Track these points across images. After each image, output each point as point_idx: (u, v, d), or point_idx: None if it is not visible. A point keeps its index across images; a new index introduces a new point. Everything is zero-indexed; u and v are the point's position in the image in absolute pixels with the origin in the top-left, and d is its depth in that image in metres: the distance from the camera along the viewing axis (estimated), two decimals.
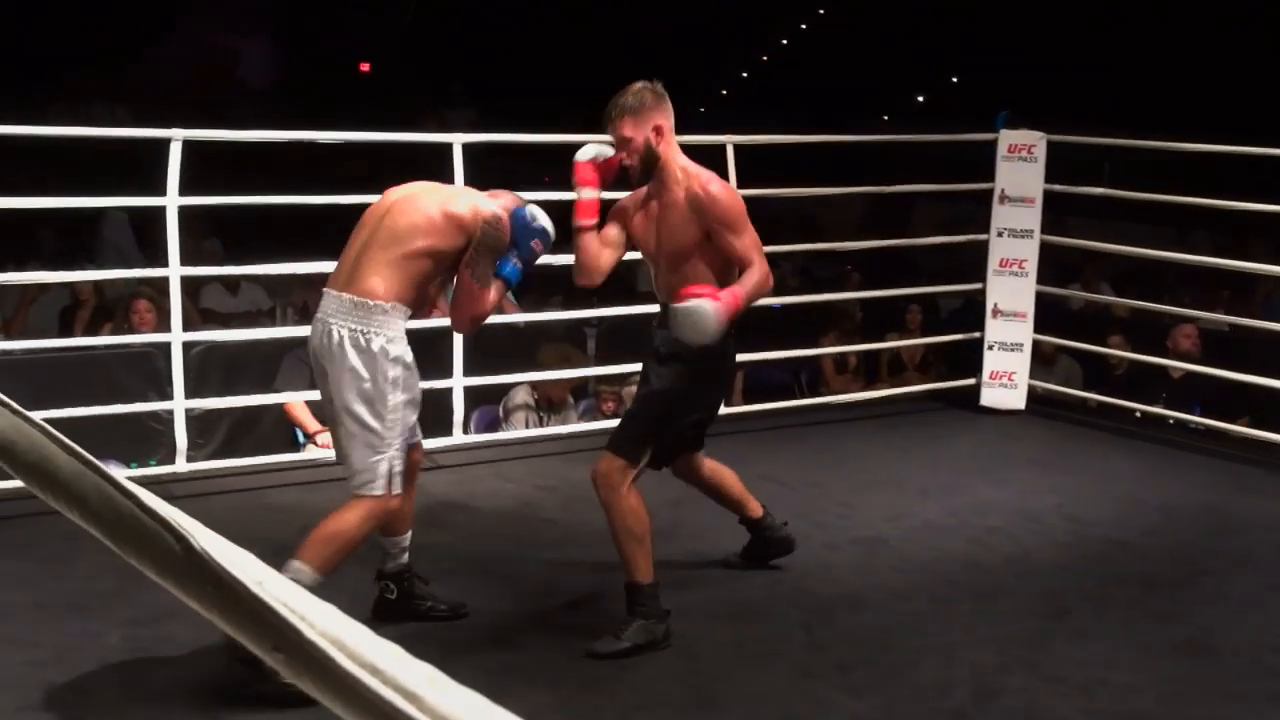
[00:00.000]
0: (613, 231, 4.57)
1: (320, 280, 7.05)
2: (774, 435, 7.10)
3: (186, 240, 6.10)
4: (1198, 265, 8.60)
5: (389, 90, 20.34)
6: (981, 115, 8.02)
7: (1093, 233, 8.64)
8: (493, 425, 7.12)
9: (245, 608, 0.88)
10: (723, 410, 7.11)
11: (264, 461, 6.25)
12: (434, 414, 6.27)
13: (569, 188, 4.57)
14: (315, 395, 6.45)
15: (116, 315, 7.71)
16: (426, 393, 6.31)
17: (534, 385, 7.17)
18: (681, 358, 4.44)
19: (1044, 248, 7.70)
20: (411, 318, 4.18)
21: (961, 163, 8.07)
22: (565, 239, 4.52)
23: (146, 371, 6.49)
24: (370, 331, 4.05)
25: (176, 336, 5.94)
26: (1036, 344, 7.87)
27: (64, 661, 4.09)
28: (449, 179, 6.32)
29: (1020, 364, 7.71)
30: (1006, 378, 7.71)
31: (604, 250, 4.54)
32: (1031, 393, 7.76)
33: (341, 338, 4.06)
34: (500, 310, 4.69)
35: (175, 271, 5.88)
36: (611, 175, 4.54)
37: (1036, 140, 7.54)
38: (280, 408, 6.65)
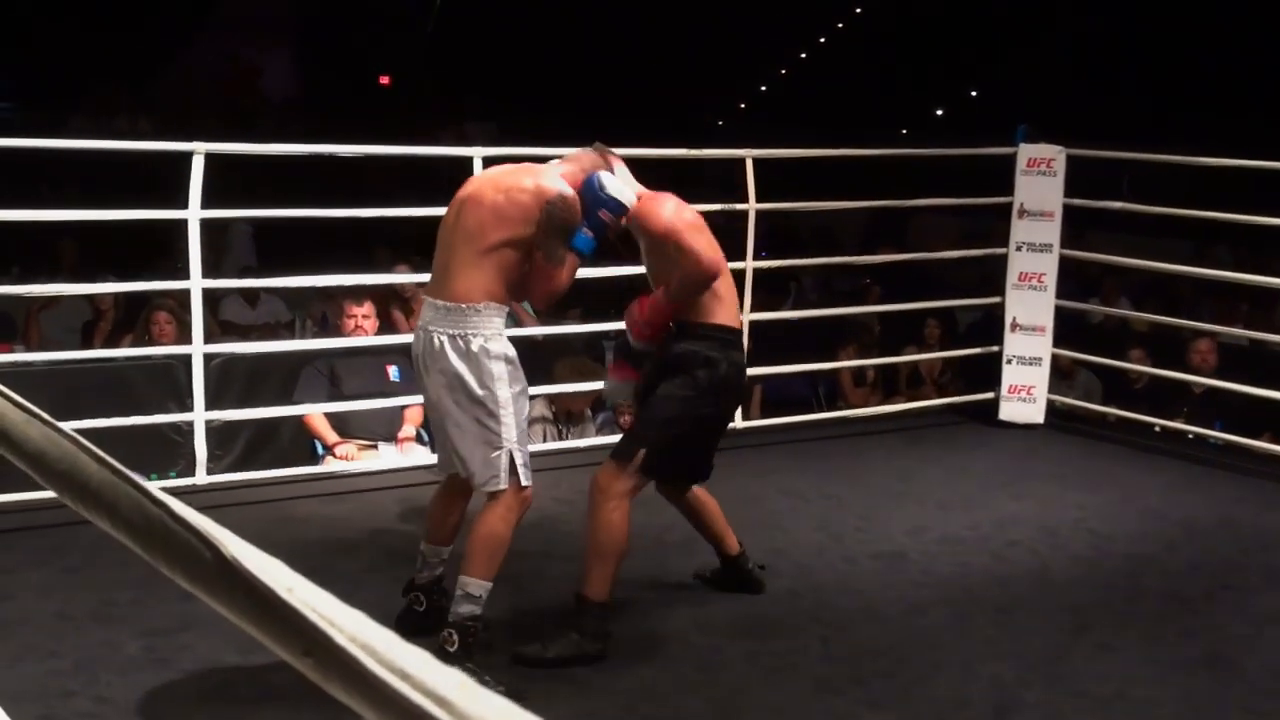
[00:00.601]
0: None
1: (338, 293, 7.14)
2: (792, 449, 7.09)
3: (207, 253, 6.13)
4: (1218, 279, 8.57)
5: (409, 103, 20.41)
6: (1001, 129, 8.01)
7: (1112, 247, 8.61)
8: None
9: (275, 614, 0.88)
10: (740, 423, 7.14)
11: (283, 474, 6.27)
12: None
13: None
14: (334, 407, 6.53)
15: (137, 327, 7.74)
16: None
17: (552, 398, 7.18)
18: (678, 371, 4.50)
19: (1063, 262, 7.69)
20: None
21: (978, 176, 8.06)
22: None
23: (167, 383, 6.51)
24: (468, 334, 4.16)
25: (197, 348, 5.97)
26: (1055, 358, 7.85)
27: (84, 671, 4.11)
28: None
29: (1039, 378, 7.70)
30: (1025, 392, 7.69)
31: None
32: (1050, 407, 7.74)
33: (442, 344, 4.17)
34: (517, 323, 4.71)
35: (197, 284, 5.90)
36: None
37: (1056, 154, 7.53)
38: (299, 420, 6.67)
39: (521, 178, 4.30)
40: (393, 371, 6.74)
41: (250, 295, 9.40)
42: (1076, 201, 7.59)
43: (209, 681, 4.05)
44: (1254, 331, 8.32)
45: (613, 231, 4.40)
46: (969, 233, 11.55)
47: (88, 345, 8.15)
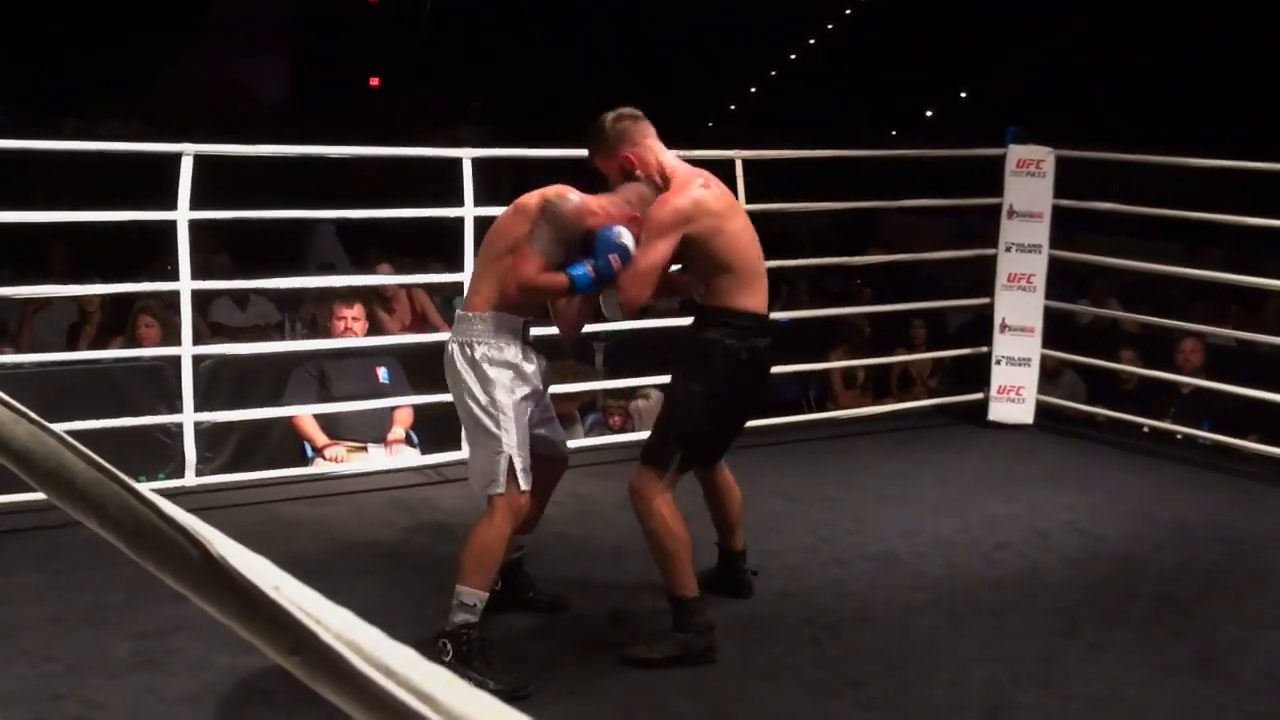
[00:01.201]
0: None
1: (329, 295, 7.13)
2: (783, 450, 7.09)
3: (196, 255, 6.12)
4: (1207, 280, 8.58)
5: (400, 105, 20.41)
6: (991, 131, 8.01)
7: (1101, 247, 8.62)
8: None
9: (262, 612, 0.88)
10: None
11: (272, 475, 6.26)
12: (443, 430, 6.29)
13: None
14: (323, 409, 6.52)
15: (125, 330, 7.73)
16: (433, 408, 6.33)
17: None
18: (697, 362, 4.49)
19: (1053, 263, 7.70)
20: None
21: (967, 176, 8.08)
22: None
23: (156, 385, 6.50)
24: (472, 341, 4.27)
25: (186, 350, 5.96)
26: (1044, 359, 7.86)
27: (74, 674, 4.10)
28: (459, 194, 6.34)
29: (1029, 379, 7.70)
30: (1015, 392, 7.70)
31: None
32: (1040, 408, 7.75)
33: (453, 351, 4.32)
34: (601, 317, 4.72)
35: (186, 285, 5.89)
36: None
37: (1045, 155, 7.53)
38: (289, 422, 6.66)
39: (547, 190, 4.34)
40: (382, 373, 6.74)
41: (240, 297, 9.39)
42: (1066, 203, 7.59)
43: (199, 684, 4.04)
44: (1241, 332, 8.34)
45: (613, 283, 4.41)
46: (958, 234, 11.57)
47: (72, 348, 8.13)
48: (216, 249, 10.23)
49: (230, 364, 6.77)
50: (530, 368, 4.33)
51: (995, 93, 21.40)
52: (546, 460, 4.54)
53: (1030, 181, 7.55)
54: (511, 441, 4.24)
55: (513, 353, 4.28)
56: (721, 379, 4.46)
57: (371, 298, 8.27)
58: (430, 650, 4.21)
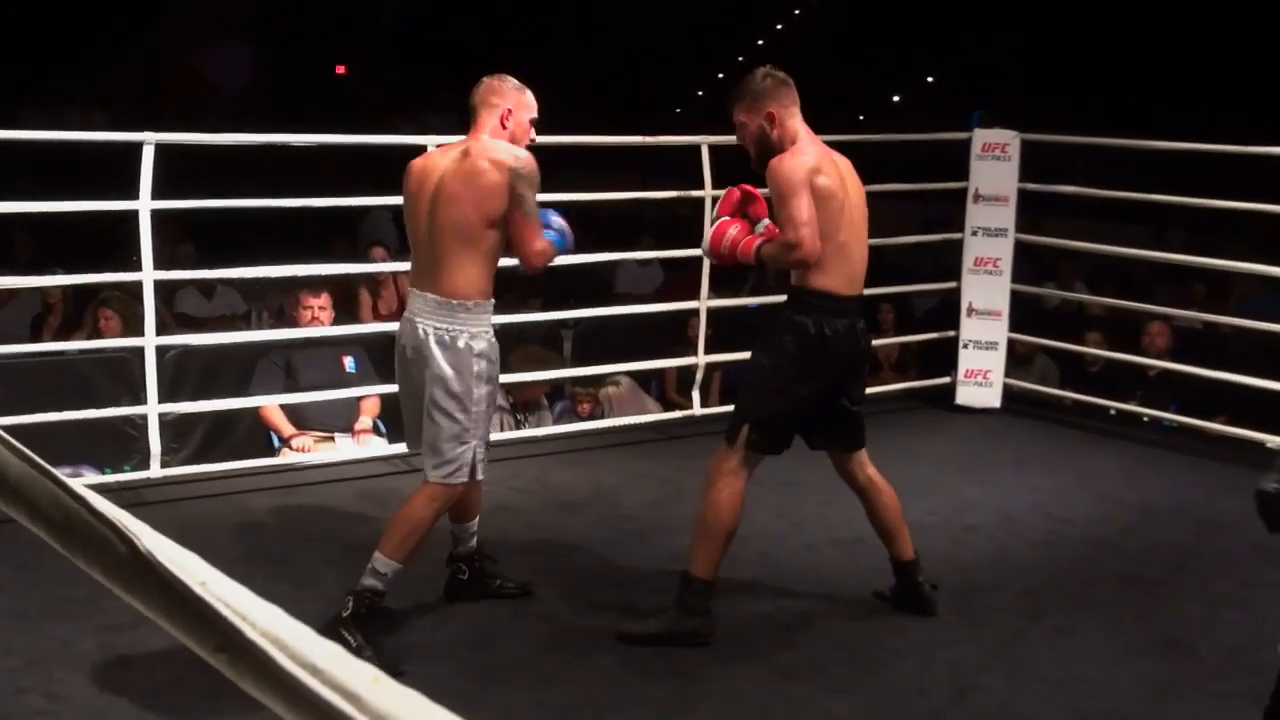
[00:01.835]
0: None
1: (294, 284, 7.10)
2: None
3: (160, 245, 6.07)
4: (1173, 263, 8.61)
5: (366, 92, 20.33)
6: (958, 115, 8.02)
7: (1067, 231, 8.65)
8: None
9: (188, 608, 0.86)
10: (697, 410, 7.14)
11: (239, 466, 6.23)
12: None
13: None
14: (290, 399, 6.48)
15: (84, 321, 7.69)
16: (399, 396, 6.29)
17: (509, 388, 7.15)
18: (769, 336, 4.48)
19: (1019, 246, 7.71)
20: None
21: (935, 162, 8.08)
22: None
23: (121, 377, 6.46)
24: (456, 330, 4.23)
25: (150, 341, 5.91)
26: (1012, 343, 7.88)
27: (37, 668, 4.07)
28: None
29: (996, 362, 7.72)
30: (982, 376, 7.72)
31: None
32: (1007, 391, 7.77)
33: (428, 335, 4.24)
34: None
35: (149, 275, 5.85)
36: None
37: (1010, 139, 7.54)
38: (256, 412, 6.63)
39: (474, 160, 4.26)
40: (349, 363, 6.71)
41: (206, 287, 9.34)
42: (1031, 186, 7.61)
43: (163, 677, 4.01)
44: (1207, 314, 8.38)
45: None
46: (925, 218, 11.58)
47: (36, 339, 8.08)
48: (181, 238, 10.18)
49: (196, 355, 6.73)
50: (497, 358, 4.33)
51: (962, 77, 21.44)
52: None
53: (996, 165, 7.57)
54: (479, 433, 4.27)
55: (490, 344, 4.29)
56: (788, 356, 4.41)
57: (359, 280, 8.27)
58: (397, 645, 4.21)
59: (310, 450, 6.49)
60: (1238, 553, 5.50)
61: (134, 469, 6.17)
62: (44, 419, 5.59)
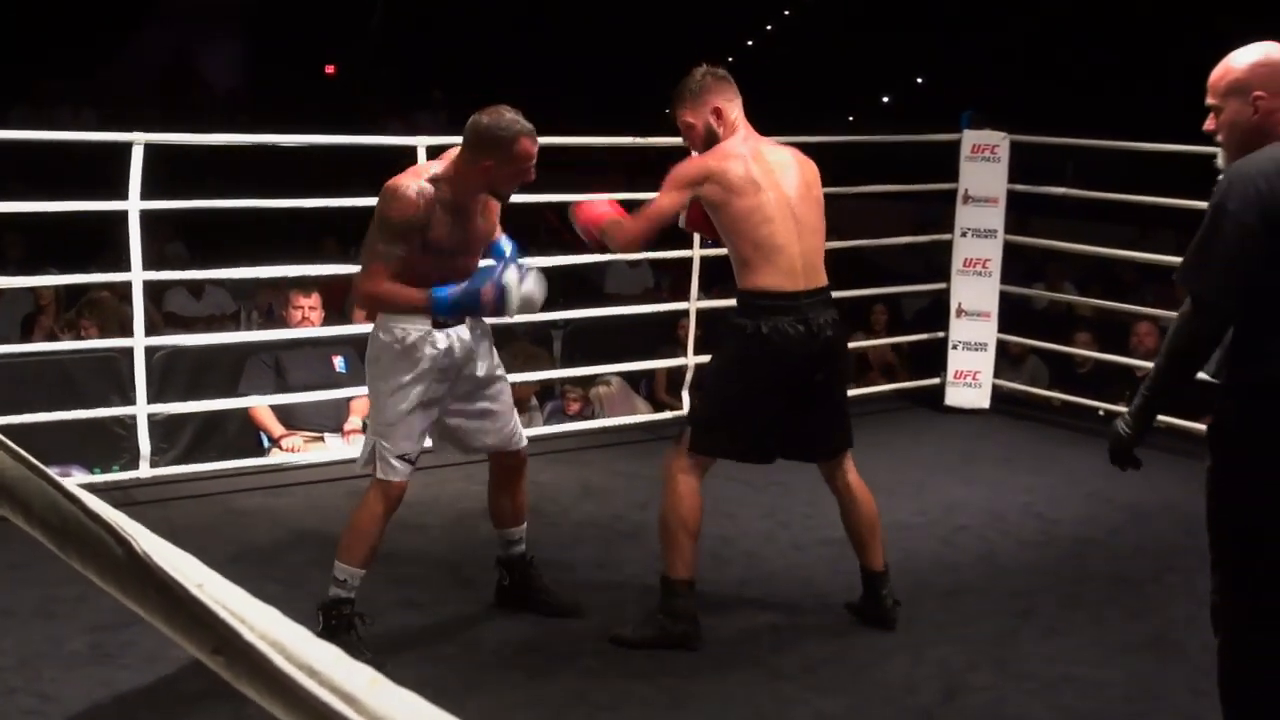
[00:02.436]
0: None
1: (284, 284, 7.09)
2: None
3: (149, 244, 6.07)
4: (1160, 264, 8.62)
5: (355, 92, 20.30)
6: (948, 116, 8.03)
7: (1056, 232, 8.66)
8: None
9: (185, 610, 0.87)
10: (687, 410, 7.13)
11: (229, 466, 6.22)
12: None
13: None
14: (280, 399, 6.48)
15: (67, 323, 7.70)
16: None
17: None
18: (717, 343, 4.51)
19: (1008, 247, 7.72)
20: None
21: (925, 163, 8.09)
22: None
23: (110, 376, 6.45)
24: (379, 323, 4.28)
25: (139, 341, 5.91)
26: (1003, 344, 7.89)
27: (28, 667, 4.07)
28: None
29: (985, 363, 7.73)
30: (971, 377, 7.73)
31: None
32: (996, 392, 7.78)
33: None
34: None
35: (138, 276, 5.85)
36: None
37: (1000, 140, 7.56)
38: (245, 412, 6.62)
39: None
40: (338, 363, 6.71)
41: (195, 287, 9.33)
42: (1020, 187, 7.62)
43: (153, 677, 4.01)
44: None
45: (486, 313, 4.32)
46: (914, 219, 11.60)
47: (27, 339, 8.06)
48: (171, 237, 10.17)
49: (185, 354, 6.71)
50: (429, 352, 4.21)
51: (951, 78, 21.45)
52: (495, 452, 4.53)
53: (985, 166, 7.58)
54: (380, 427, 4.25)
55: (401, 333, 4.20)
56: (730, 359, 4.41)
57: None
58: (387, 645, 4.21)
59: (300, 450, 6.48)
60: None
61: (123, 469, 6.16)
62: (33, 419, 5.59)
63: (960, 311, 7.71)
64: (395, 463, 4.22)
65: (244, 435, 6.71)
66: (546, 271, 4.46)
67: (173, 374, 6.60)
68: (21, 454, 0.97)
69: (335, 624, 4.18)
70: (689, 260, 7.04)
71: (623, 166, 13.40)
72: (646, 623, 4.41)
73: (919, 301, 9.96)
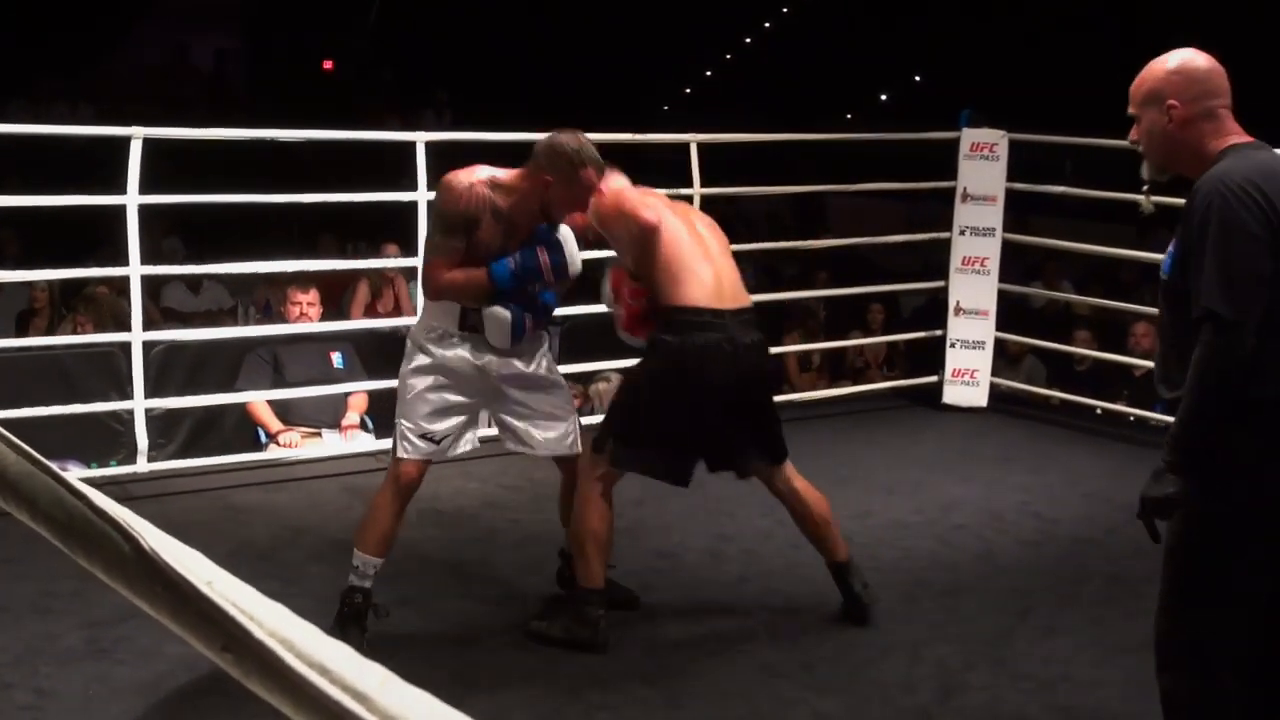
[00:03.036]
0: None
1: (283, 279, 7.08)
2: None
3: (147, 240, 6.06)
4: (1158, 263, 8.62)
5: (354, 88, 20.28)
6: (945, 114, 8.03)
7: (1054, 231, 8.66)
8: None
9: (194, 608, 0.86)
10: None
11: (226, 461, 6.21)
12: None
13: None
14: (277, 394, 6.48)
15: (64, 321, 7.70)
16: (388, 393, 6.30)
17: None
18: (641, 359, 4.48)
19: (1006, 246, 7.72)
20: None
21: (923, 161, 8.09)
22: None
23: (107, 371, 6.44)
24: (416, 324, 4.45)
25: (137, 336, 5.91)
26: (1001, 342, 7.89)
27: (24, 663, 4.06)
28: (414, 177, 6.31)
29: (982, 362, 7.73)
30: (969, 375, 7.73)
31: None
32: (994, 390, 7.78)
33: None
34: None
35: (135, 270, 5.84)
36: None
37: (999, 139, 7.55)
38: (243, 407, 6.61)
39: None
40: (336, 358, 6.70)
41: (193, 282, 9.32)
42: (1019, 186, 7.62)
43: (149, 672, 4.01)
44: None
45: (547, 282, 4.30)
46: (913, 217, 11.62)
47: (23, 335, 8.05)
48: (168, 233, 10.16)
49: (183, 350, 6.71)
50: (452, 348, 4.27)
51: (949, 76, 21.44)
52: (554, 456, 4.54)
53: (984, 165, 7.58)
54: (402, 407, 4.31)
55: (429, 332, 4.30)
56: (655, 375, 4.39)
57: (363, 274, 8.23)
58: (383, 643, 4.20)
59: (297, 445, 6.48)
60: None
61: (120, 464, 6.15)
62: (30, 414, 5.58)
63: (958, 310, 7.71)
64: (416, 440, 4.27)
65: (241, 431, 6.70)
66: None
67: (170, 369, 6.59)
68: (26, 449, 0.97)
69: (346, 612, 4.23)
70: None
71: (623, 163, 13.40)
72: (558, 621, 4.37)
73: (917, 300, 9.96)
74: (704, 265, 4.40)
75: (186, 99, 17.75)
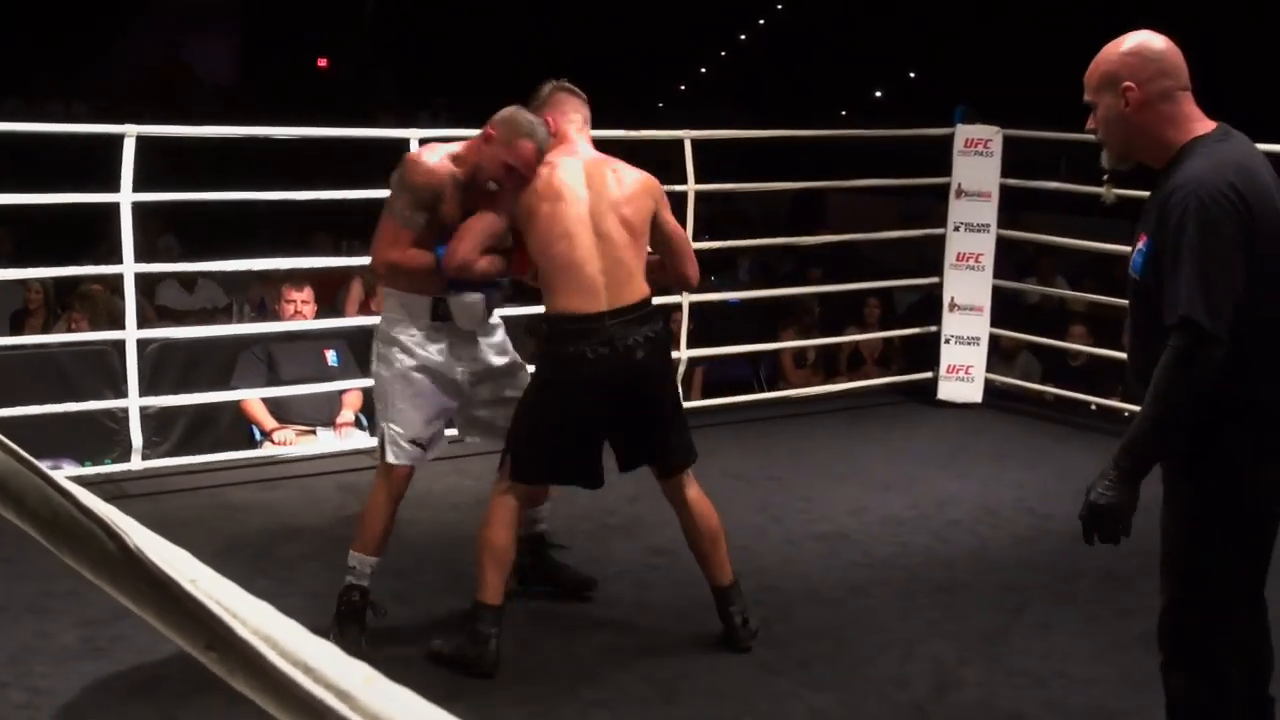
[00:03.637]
0: None
1: (277, 277, 7.08)
2: (733, 430, 7.09)
3: (141, 238, 6.06)
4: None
5: (349, 85, 20.28)
6: (941, 110, 8.04)
7: (1049, 227, 8.66)
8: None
9: (178, 606, 0.86)
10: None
11: (220, 459, 6.21)
12: None
13: None
14: (272, 392, 6.48)
15: (59, 320, 7.69)
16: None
17: None
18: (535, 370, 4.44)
19: (1000, 242, 7.73)
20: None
21: (918, 158, 8.09)
22: None
23: (102, 369, 6.43)
24: (381, 317, 4.43)
25: (131, 334, 5.90)
26: (996, 338, 7.89)
27: (19, 662, 4.06)
28: None
29: (977, 358, 7.73)
30: (964, 371, 7.73)
31: None
32: (988, 386, 7.79)
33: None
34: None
35: (130, 268, 5.84)
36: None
37: (993, 135, 7.55)
38: (237, 405, 6.61)
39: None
40: (331, 356, 6.70)
41: (187, 280, 9.31)
42: (1013, 182, 7.62)
43: (145, 672, 4.01)
44: None
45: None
46: (907, 214, 11.62)
47: (17, 333, 8.04)
48: (163, 231, 10.15)
49: (177, 348, 6.71)
50: (430, 346, 4.28)
51: (944, 73, 21.45)
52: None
53: (978, 161, 7.58)
54: (386, 414, 4.31)
55: (402, 329, 4.28)
56: (537, 386, 4.32)
57: (360, 273, 8.23)
58: (379, 639, 4.21)
59: (292, 443, 6.48)
60: None
61: (115, 462, 6.15)
62: (25, 412, 5.58)
63: (953, 306, 7.72)
64: (406, 446, 4.29)
65: (236, 429, 6.70)
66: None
67: (165, 367, 6.59)
68: (13, 448, 0.96)
69: (345, 610, 4.24)
70: None
71: (617, 159, 13.41)
72: (453, 640, 4.23)
73: (912, 295, 9.96)
74: (591, 261, 4.16)
75: (181, 98, 17.74)
